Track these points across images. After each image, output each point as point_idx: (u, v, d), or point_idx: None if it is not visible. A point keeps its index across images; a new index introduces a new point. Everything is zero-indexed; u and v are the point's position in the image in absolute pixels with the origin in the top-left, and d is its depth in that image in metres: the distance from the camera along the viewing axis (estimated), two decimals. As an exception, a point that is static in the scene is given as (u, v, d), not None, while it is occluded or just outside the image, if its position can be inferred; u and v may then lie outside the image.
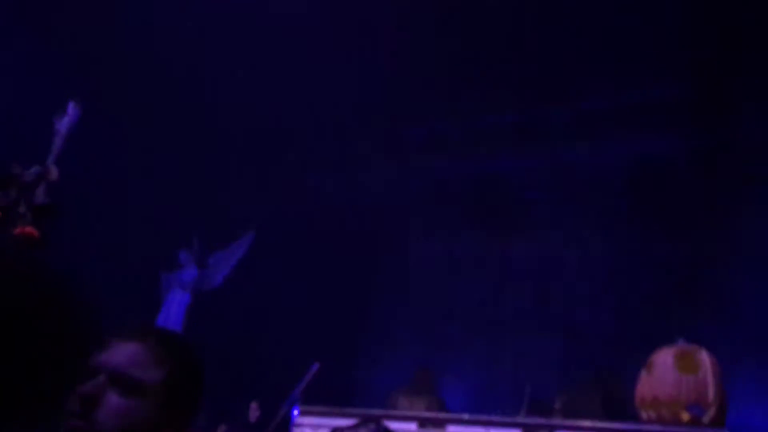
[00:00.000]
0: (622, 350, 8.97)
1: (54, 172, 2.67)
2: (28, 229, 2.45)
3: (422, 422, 3.32)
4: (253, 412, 7.04)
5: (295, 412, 5.88)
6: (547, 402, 7.50)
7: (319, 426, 3.65)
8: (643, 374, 3.32)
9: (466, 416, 3.45)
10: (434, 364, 10.32)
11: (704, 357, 3.19)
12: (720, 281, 9.07)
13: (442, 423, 3.28)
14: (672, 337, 8.22)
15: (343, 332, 10.24)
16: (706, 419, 3.00)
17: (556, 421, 2.91)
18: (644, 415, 3.26)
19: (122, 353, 1.57)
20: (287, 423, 6.07)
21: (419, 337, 10.82)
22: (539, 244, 10.53)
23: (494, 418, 3.27)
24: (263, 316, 9.88)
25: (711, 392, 3.04)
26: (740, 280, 8.94)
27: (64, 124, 2.91)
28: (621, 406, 6.94)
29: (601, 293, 9.83)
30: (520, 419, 3.13)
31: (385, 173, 10.94)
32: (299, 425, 3.74)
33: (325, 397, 8.86)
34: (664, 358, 3.24)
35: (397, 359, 10.71)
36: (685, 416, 3.08)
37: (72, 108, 3.00)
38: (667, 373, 3.20)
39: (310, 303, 9.99)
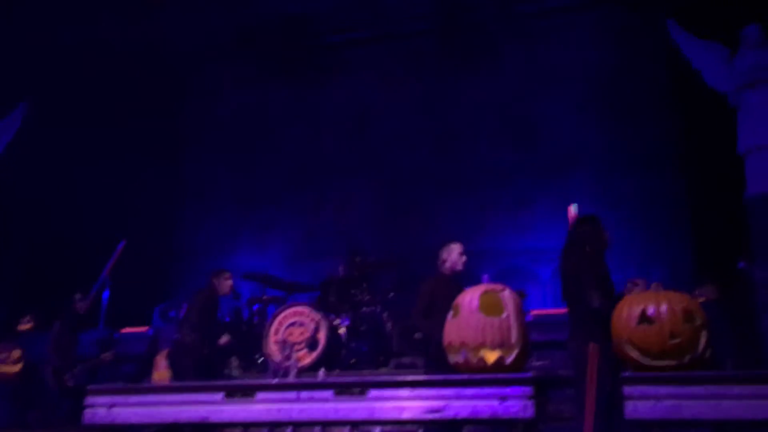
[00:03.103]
0: (438, 189, 9.53)
1: None
2: None
3: (230, 392, 3.08)
4: (78, 301, 6.60)
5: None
6: (357, 249, 7.71)
7: (113, 405, 3.28)
8: (450, 318, 3.31)
9: (274, 381, 3.26)
10: (256, 219, 10.37)
11: (507, 297, 3.23)
12: (523, 113, 9.68)
13: (250, 391, 3.06)
14: (485, 173, 9.34)
15: (155, 200, 9.74)
16: (509, 361, 3.05)
17: (369, 377, 2.85)
18: (452, 359, 3.26)
19: None
20: (98, 306, 5.74)
21: (238, 194, 10.62)
22: (352, 88, 10.43)
23: (304, 381, 3.11)
24: (63, 194, 8.76)
25: (514, 334, 3.10)
26: (541, 111, 9.60)
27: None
28: None
29: (415, 133, 10.02)
30: (331, 379, 3.02)
31: (181, 18, 9.96)
32: (92, 405, 3.34)
33: (143, 270, 8.56)
34: (470, 300, 3.24)
35: (218, 219, 10.53)
36: (491, 357, 3.12)
37: None
38: (472, 316, 3.21)
39: (113, 172, 9.17)
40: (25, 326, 7.28)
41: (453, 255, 5.49)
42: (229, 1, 9.92)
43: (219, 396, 3.18)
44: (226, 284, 6.41)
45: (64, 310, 6.67)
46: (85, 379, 6.38)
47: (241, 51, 10.47)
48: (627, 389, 2.69)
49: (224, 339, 6.57)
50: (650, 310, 2.94)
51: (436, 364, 5.53)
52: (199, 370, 5.96)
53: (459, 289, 5.39)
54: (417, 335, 5.74)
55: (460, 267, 5.44)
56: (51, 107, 8.73)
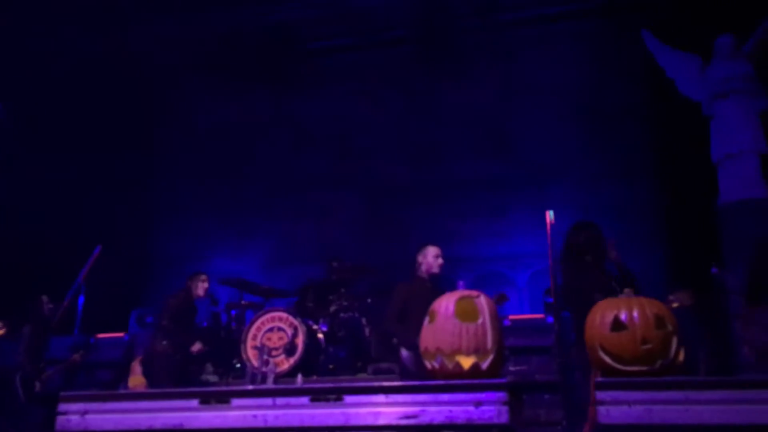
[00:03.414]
0: (417, 197, 9.60)
1: None
2: None
3: (204, 398, 3.07)
4: (46, 305, 6.52)
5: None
6: (335, 255, 7.72)
7: (86, 412, 3.25)
8: (426, 324, 3.33)
9: (249, 387, 3.26)
10: (235, 226, 10.35)
11: (483, 303, 3.25)
12: (501, 123, 9.75)
13: (225, 397, 3.05)
14: (463, 182, 9.40)
15: (132, 206, 9.74)
16: (484, 366, 3.08)
17: (345, 383, 2.87)
18: (428, 365, 3.28)
19: None
20: (74, 311, 5.70)
21: (217, 202, 10.59)
22: (332, 98, 10.46)
23: (280, 387, 3.11)
24: (38, 200, 8.65)
25: (490, 339, 3.12)
26: (518, 121, 9.70)
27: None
28: None
29: (395, 143, 10.08)
30: (306, 385, 3.03)
31: (156, 29, 9.94)
32: (65, 412, 3.31)
33: (120, 275, 8.49)
34: (445, 307, 3.26)
35: (196, 225, 10.50)
36: (467, 363, 3.14)
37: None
38: (447, 322, 3.23)
39: (89, 178, 9.17)
40: None
41: (428, 258, 5.52)
42: (207, 12, 9.87)
43: (194, 403, 3.17)
44: (201, 287, 6.36)
45: (32, 314, 6.59)
46: (57, 385, 6.31)
47: (220, 61, 10.44)
48: (599, 394, 2.73)
49: (197, 347, 6.52)
50: (623, 316, 2.98)
51: (408, 370, 5.55)
52: (172, 376, 5.91)
53: (436, 293, 5.40)
54: (395, 341, 5.76)
55: (435, 270, 5.48)
56: (26, 114, 8.65)
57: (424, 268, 5.51)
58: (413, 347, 5.29)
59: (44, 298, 6.49)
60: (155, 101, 10.59)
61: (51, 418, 3.42)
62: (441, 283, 5.57)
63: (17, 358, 6.41)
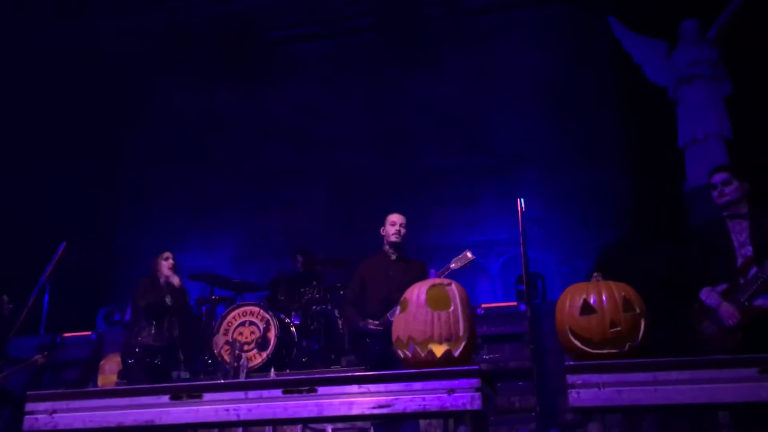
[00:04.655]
0: (385, 188, 9.52)
1: None
2: None
3: (175, 393, 3.03)
4: (6, 305, 6.39)
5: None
6: (305, 248, 7.70)
7: (54, 411, 3.19)
8: (398, 313, 3.32)
9: (221, 381, 3.23)
10: (203, 220, 10.26)
11: (454, 291, 3.26)
12: (468, 111, 9.80)
13: (197, 392, 3.02)
14: (431, 172, 9.41)
15: (96, 202, 9.55)
16: (457, 353, 3.08)
17: (317, 374, 2.86)
18: (401, 354, 3.27)
19: None
20: (39, 310, 5.60)
21: (184, 196, 10.49)
22: (297, 89, 10.37)
23: (252, 380, 3.09)
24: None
25: (461, 327, 3.12)
26: (486, 109, 9.73)
27: None
28: None
29: (362, 134, 10.00)
30: (279, 378, 3.00)
31: (116, 21, 9.74)
32: (32, 411, 3.25)
33: (86, 273, 8.35)
34: (417, 295, 3.25)
35: (164, 220, 10.34)
36: (439, 351, 3.14)
37: None
38: (419, 311, 3.22)
39: (52, 174, 8.98)
40: None
41: (386, 227, 5.35)
42: (167, 2, 9.72)
43: (164, 398, 3.12)
44: (164, 265, 6.04)
45: None
46: (22, 384, 6.19)
47: (182, 52, 10.33)
48: (570, 378, 2.75)
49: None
50: (592, 300, 3.00)
51: (358, 356, 5.44)
52: (143, 370, 5.74)
53: (400, 264, 5.24)
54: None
55: (392, 238, 5.28)
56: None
57: (384, 239, 5.36)
58: (356, 329, 5.23)
59: (5, 297, 6.34)
60: (117, 95, 10.38)
61: (16, 419, 3.35)
62: (406, 252, 5.40)
63: None
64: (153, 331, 5.91)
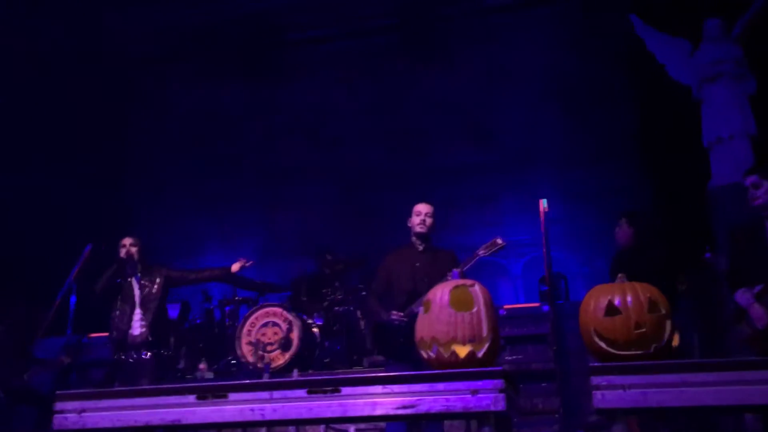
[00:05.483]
0: (400, 187, 9.48)
1: None
2: None
3: (201, 393, 3.06)
4: (28, 306, 6.50)
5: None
6: (327, 248, 7.71)
7: (83, 410, 3.24)
8: (421, 314, 3.33)
9: (246, 381, 3.26)
10: (218, 220, 10.30)
11: (478, 291, 3.26)
12: (482, 109, 9.76)
13: (222, 392, 3.05)
14: (446, 171, 9.35)
15: (113, 205, 9.63)
16: (480, 354, 3.08)
17: (341, 375, 2.87)
18: (424, 354, 3.28)
19: None
20: (66, 311, 5.65)
21: (194, 196, 10.52)
22: (310, 87, 10.40)
23: (277, 380, 3.11)
24: (20, 200, 8.58)
25: (485, 328, 3.12)
26: (500, 107, 9.68)
27: None
28: None
29: (375, 132, 10.02)
30: (303, 378, 3.02)
31: (131, 19, 9.79)
32: (61, 411, 3.30)
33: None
34: (440, 296, 3.26)
35: (175, 220, 10.44)
36: (463, 352, 3.14)
37: None
38: (442, 311, 3.23)
39: (72, 176, 9.08)
40: None
41: (412, 217, 5.23)
42: (181, 2, 9.77)
43: (191, 398, 3.16)
44: (121, 251, 5.84)
45: (8, 315, 6.50)
46: (47, 384, 6.25)
47: (195, 51, 10.40)
48: (594, 379, 2.73)
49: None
50: (616, 301, 2.99)
51: (380, 350, 5.32)
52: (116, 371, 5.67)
53: (428, 254, 5.11)
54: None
55: (417, 229, 5.16)
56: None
57: (411, 230, 5.23)
58: (379, 321, 5.07)
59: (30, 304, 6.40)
60: (131, 94, 10.52)
61: (43, 418, 3.41)
62: (432, 242, 5.25)
63: None
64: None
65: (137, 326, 5.62)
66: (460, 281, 3.38)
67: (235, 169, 10.48)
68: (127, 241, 5.88)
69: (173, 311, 7.95)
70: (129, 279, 5.80)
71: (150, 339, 5.59)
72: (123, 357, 5.59)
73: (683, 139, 7.59)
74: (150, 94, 10.85)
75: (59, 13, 9.08)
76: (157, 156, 10.75)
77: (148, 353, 5.56)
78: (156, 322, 5.68)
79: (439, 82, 9.83)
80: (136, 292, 5.74)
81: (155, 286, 5.79)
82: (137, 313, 5.66)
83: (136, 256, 5.83)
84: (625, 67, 8.89)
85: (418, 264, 5.14)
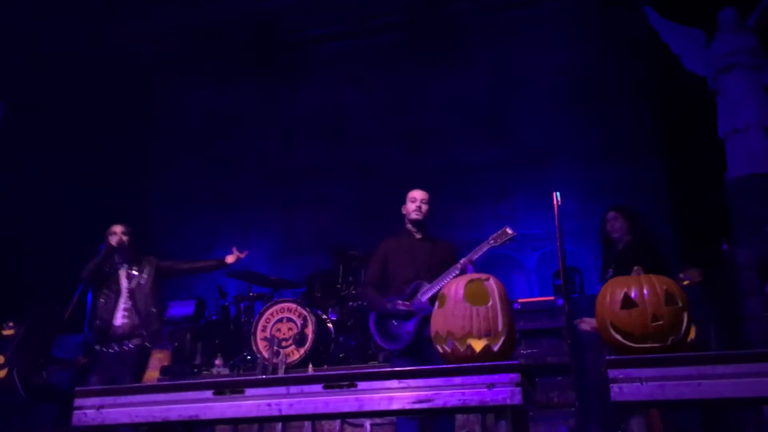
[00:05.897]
0: (415, 185, 9.47)
1: None
2: None
3: (218, 389, 3.08)
4: (46, 306, 6.59)
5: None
6: (346, 246, 7.69)
7: (102, 406, 3.27)
8: (437, 308, 3.33)
9: (263, 376, 3.27)
10: (235, 218, 10.34)
11: (492, 286, 3.25)
12: (499, 106, 9.70)
13: (239, 387, 3.06)
14: (462, 168, 9.29)
15: (130, 205, 9.57)
16: (496, 348, 3.07)
17: (357, 370, 2.88)
18: (440, 348, 3.28)
19: None
20: (83, 309, 5.69)
21: (215, 194, 10.57)
22: (326, 86, 10.38)
23: (293, 375, 3.13)
24: (38, 199, 8.60)
25: (500, 321, 3.12)
26: (516, 103, 9.62)
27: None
28: None
29: (391, 130, 9.99)
30: (319, 373, 3.04)
31: (143, 21, 9.78)
32: (81, 407, 3.33)
33: None
34: (456, 290, 3.26)
35: (197, 219, 10.49)
36: (478, 346, 3.14)
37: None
38: (458, 306, 3.23)
39: (88, 176, 9.13)
40: (7, 332, 7.20)
41: (406, 204, 5.14)
42: (194, 2, 9.79)
43: (208, 393, 3.18)
44: (109, 239, 5.64)
45: (30, 313, 6.56)
46: (65, 382, 6.31)
47: (209, 52, 10.42)
48: (612, 372, 2.72)
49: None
50: (633, 294, 2.97)
51: (385, 340, 4.96)
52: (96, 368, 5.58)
53: (425, 242, 5.02)
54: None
55: (412, 216, 5.08)
56: (17, 114, 8.64)
57: (405, 217, 5.15)
58: (383, 311, 4.94)
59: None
60: (145, 96, 10.55)
61: (63, 415, 3.45)
62: (427, 230, 5.16)
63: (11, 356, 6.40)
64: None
65: (120, 316, 5.47)
66: (475, 275, 3.38)
67: (253, 168, 10.51)
68: (119, 228, 5.66)
69: (189, 308, 8.01)
70: (117, 267, 5.66)
71: (137, 331, 5.45)
72: (104, 349, 5.43)
73: (699, 132, 7.53)
74: (167, 97, 10.89)
75: (74, 17, 9.11)
76: (173, 158, 10.78)
77: (131, 344, 5.42)
78: (147, 313, 5.52)
79: (454, 80, 9.79)
80: (123, 282, 5.60)
81: (144, 276, 5.65)
82: (122, 303, 5.52)
83: (128, 245, 5.67)
84: (640, 61, 8.82)
85: (417, 253, 5.07)
